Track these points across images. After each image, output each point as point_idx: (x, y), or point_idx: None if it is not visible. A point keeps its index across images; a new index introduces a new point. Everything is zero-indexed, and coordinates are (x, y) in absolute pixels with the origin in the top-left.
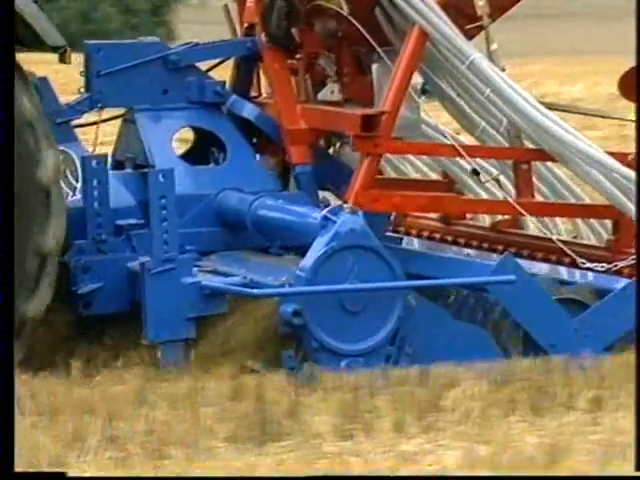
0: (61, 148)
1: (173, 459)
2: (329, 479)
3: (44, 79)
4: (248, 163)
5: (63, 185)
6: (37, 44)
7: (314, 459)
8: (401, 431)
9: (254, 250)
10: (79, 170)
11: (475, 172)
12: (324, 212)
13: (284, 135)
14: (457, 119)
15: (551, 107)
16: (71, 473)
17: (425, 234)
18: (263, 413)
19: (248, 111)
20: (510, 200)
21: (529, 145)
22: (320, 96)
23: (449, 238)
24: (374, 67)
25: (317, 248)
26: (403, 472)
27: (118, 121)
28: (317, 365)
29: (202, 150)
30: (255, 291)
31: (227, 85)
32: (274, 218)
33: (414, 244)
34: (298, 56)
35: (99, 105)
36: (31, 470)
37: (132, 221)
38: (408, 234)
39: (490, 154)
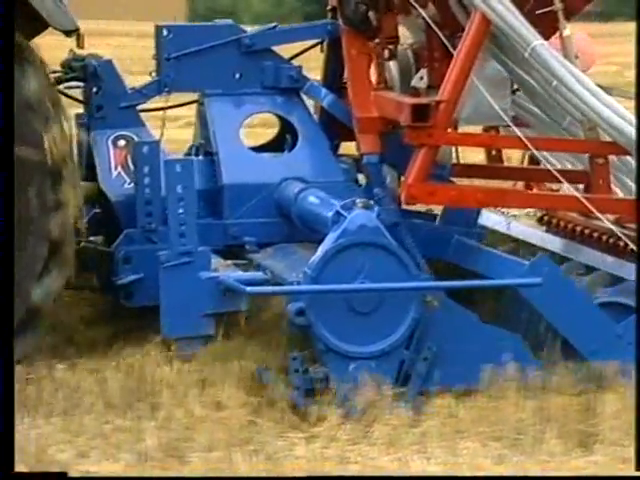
0: (123, 133)
1: None
2: (329, 479)
3: (107, 62)
4: (317, 152)
5: (123, 173)
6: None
7: None
8: None
9: (313, 243)
10: None
11: None
12: (337, 207)
13: (354, 123)
14: (541, 110)
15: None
16: None
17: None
18: None
19: (322, 97)
20: (578, 195)
21: (606, 138)
22: (413, 83)
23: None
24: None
25: (325, 245)
26: None
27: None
28: (325, 368)
29: (285, 138)
30: (248, 289)
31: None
32: (308, 211)
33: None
34: (377, 41)
35: (166, 90)
36: (32, 470)
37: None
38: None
39: (559, 147)
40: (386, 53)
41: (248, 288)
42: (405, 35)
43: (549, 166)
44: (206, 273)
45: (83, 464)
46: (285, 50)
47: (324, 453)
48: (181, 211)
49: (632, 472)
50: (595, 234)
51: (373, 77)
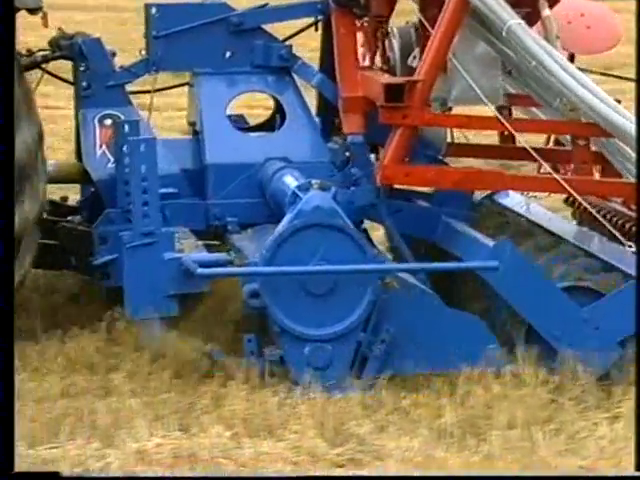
0: (110, 112)
1: None
2: (329, 479)
3: (95, 40)
4: (303, 132)
5: (107, 152)
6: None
7: None
8: None
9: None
10: None
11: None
12: (293, 187)
13: (340, 102)
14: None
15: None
16: None
17: None
18: None
19: (310, 76)
20: (558, 178)
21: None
22: (408, 62)
23: None
24: None
25: (280, 226)
26: None
27: None
28: (281, 350)
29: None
30: (198, 270)
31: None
32: (279, 191)
33: None
34: (366, 19)
35: (154, 69)
36: (30, 470)
37: (172, 190)
38: None
39: (540, 128)
40: (379, 32)
41: (198, 269)
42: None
43: (525, 145)
44: (169, 254)
45: (381, 439)
46: (282, 30)
47: (628, 434)
48: (144, 191)
49: (632, 472)
50: (615, 219)
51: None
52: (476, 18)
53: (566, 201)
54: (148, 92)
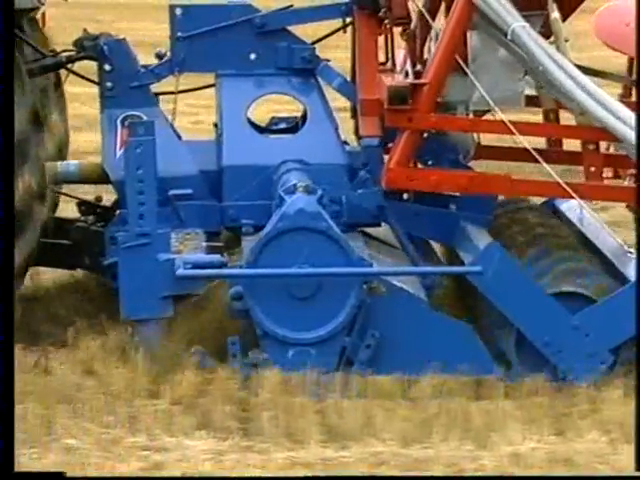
0: (132, 113)
1: None
2: (329, 479)
3: (120, 41)
4: (321, 135)
5: None
6: None
7: None
8: None
9: None
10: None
11: None
12: (280, 191)
13: (358, 105)
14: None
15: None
16: None
17: None
18: None
19: (331, 78)
20: (562, 183)
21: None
22: None
23: None
24: (469, 34)
25: (265, 229)
26: None
27: None
28: (264, 353)
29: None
30: (178, 271)
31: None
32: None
33: None
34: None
35: (178, 70)
36: (31, 470)
37: (187, 192)
38: None
39: (546, 132)
40: (405, 35)
41: (178, 270)
42: None
43: (527, 145)
44: (164, 255)
45: None
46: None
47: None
48: (140, 192)
49: (632, 472)
50: None
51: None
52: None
53: (628, 206)
54: (172, 93)
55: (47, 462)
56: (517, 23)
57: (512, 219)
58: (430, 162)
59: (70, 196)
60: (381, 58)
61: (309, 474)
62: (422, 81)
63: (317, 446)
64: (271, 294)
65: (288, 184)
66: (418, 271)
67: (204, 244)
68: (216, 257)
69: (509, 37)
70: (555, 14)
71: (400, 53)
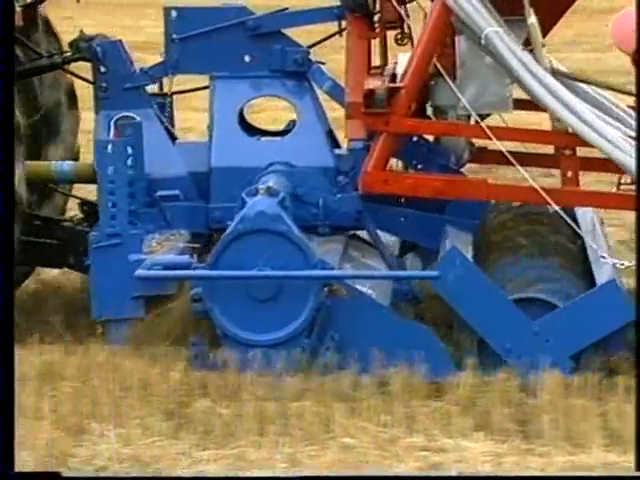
0: (126, 114)
1: None
2: (329, 479)
3: (114, 43)
4: (310, 138)
5: None
6: None
7: None
8: None
9: (301, 228)
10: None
11: None
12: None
13: (345, 107)
14: None
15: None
16: None
17: None
18: None
19: (322, 81)
20: (538, 188)
21: None
22: None
23: None
24: (457, 39)
25: (226, 231)
26: None
27: None
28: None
29: None
30: (137, 272)
31: None
32: None
33: None
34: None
35: (172, 71)
36: (30, 470)
37: (173, 193)
38: None
39: (522, 137)
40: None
41: (137, 271)
42: None
43: (503, 150)
44: (134, 255)
45: None
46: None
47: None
48: (112, 192)
49: (632, 472)
50: None
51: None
52: None
53: None
54: (165, 95)
55: (325, 460)
56: (490, 28)
57: (504, 224)
58: (420, 166)
59: (73, 196)
60: (379, 62)
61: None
62: (398, 85)
63: (599, 450)
64: (231, 296)
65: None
66: (376, 275)
67: (181, 245)
68: (184, 258)
69: (482, 42)
70: (532, 19)
71: (403, 57)
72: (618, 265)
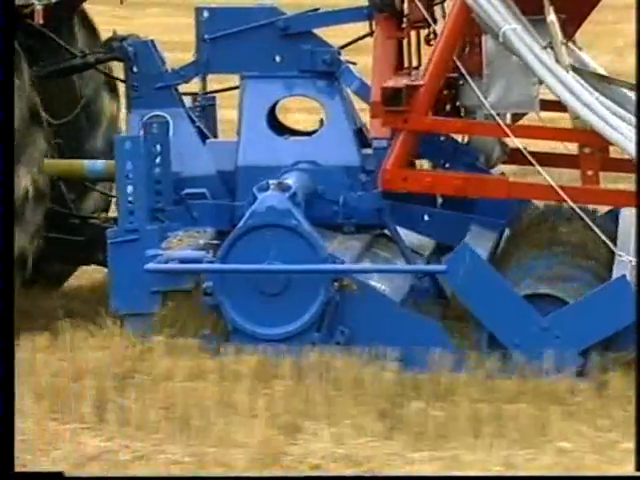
0: (157, 113)
1: None
2: (329, 479)
3: (146, 42)
4: (337, 137)
5: None
6: None
7: None
8: None
9: (324, 226)
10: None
11: None
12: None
13: (370, 107)
14: None
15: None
16: None
17: None
18: None
19: (350, 81)
20: (555, 186)
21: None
22: None
23: None
24: (484, 38)
25: (237, 226)
26: None
27: None
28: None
29: None
30: (146, 265)
31: None
32: None
33: None
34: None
35: (203, 71)
36: (30, 470)
37: (200, 191)
38: None
39: (541, 135)
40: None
41: (147, 265)
42: None
43: (521, 147)
44: (151, 251)
45: None
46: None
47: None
48: (130, 189)
49: (632, 472)
50: None
51: None
52: None
53: None
54: (196, 94)
55: (541, 464)
56: (507, 26)
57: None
58: (447, 165)
59: (110, 195)
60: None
61: None
62: (417, 83)
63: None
64: (241, 290)
65: None
66: (383, 269)
67: (202, 242)
68: (197, 253)
69: (500, 40)
70: (551, 17)
71: None
72: (634, 263)
